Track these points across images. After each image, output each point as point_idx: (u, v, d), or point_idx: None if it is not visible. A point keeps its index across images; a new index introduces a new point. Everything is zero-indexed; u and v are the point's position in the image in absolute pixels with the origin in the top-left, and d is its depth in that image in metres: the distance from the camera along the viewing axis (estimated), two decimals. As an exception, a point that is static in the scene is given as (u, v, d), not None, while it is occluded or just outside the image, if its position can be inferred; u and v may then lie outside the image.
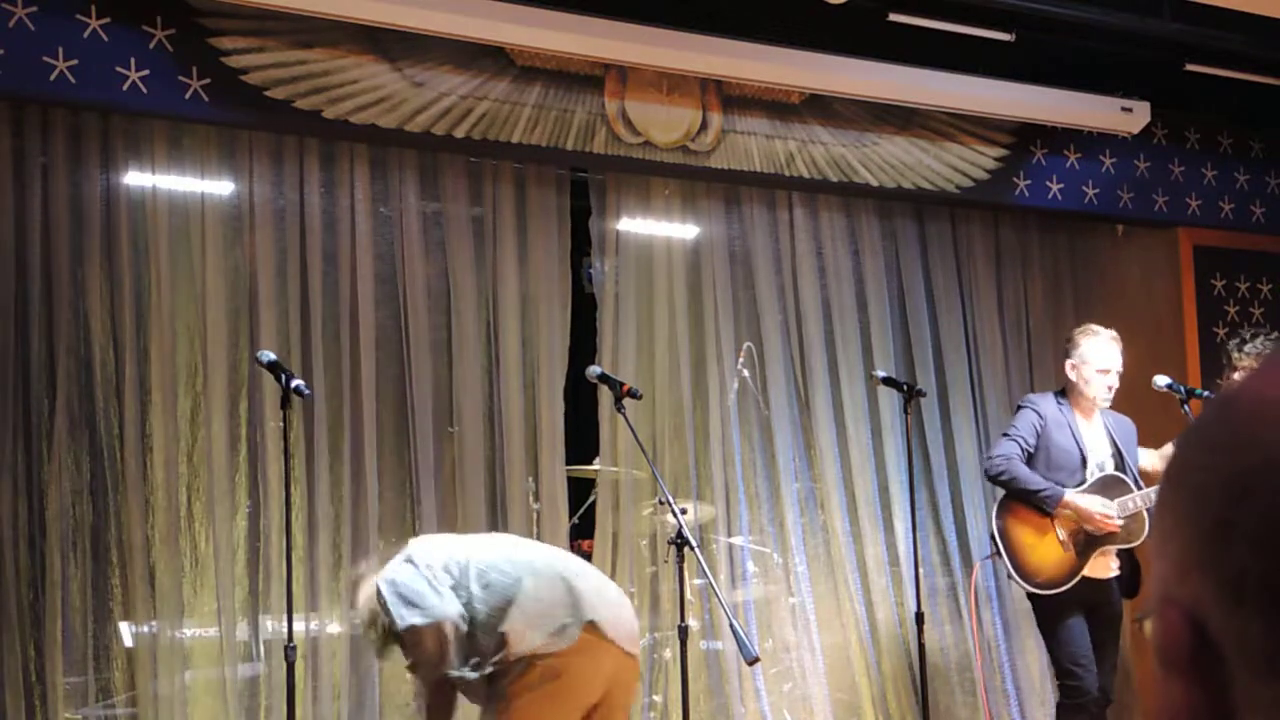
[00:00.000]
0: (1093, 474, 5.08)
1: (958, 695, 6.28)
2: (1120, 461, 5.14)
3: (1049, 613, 5.05)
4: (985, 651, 6.31)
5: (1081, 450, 5.09)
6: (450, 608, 3.67)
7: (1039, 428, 5.07)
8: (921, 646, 5.23)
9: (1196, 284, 6.88)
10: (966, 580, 6.38)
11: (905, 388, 5.28)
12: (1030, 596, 5.09)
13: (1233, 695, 0.67)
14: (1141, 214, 6.82)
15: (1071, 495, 4.98)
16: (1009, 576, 5.12)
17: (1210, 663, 0.68)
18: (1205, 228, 6.94)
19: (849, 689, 6.09)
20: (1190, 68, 6.20)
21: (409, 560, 3.80)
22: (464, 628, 3.69)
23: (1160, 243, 6.95)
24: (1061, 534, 5.00)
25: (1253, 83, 6.41)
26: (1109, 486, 5.05)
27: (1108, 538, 4.98)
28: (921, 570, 5.51)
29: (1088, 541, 4.99)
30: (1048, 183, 6.56)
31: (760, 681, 5.85)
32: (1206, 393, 5.40)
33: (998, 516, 5.08)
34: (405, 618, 3.66)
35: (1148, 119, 6.50)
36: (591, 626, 3.71)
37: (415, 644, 3.69)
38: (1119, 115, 6.44)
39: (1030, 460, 5.05)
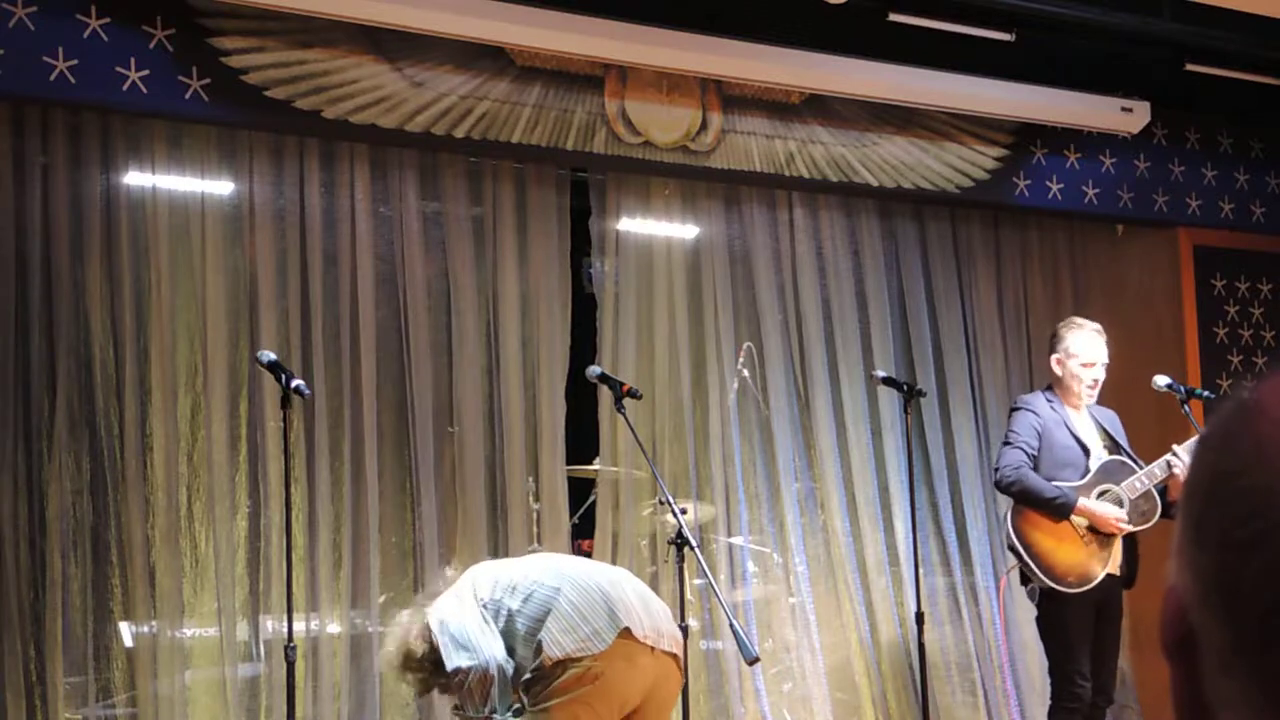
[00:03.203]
0: (1094, 465, 5.04)
1: (958, 695, 6.27)
2: (1115, 447, 5.10)
3: (1059, 621, 4.96)
4: (988, 654, 6.30)
5: (1082, 444, 5.04)
6: (497, 650, 3.74)
7: (1038, 428, 5.01)
8: (921, 646, 5.22)
9: (1196, 284, 6.87)
10: (967, 584, 6.39)
11: (905, 388, 5.26)
12: (1040, 603, 4.99)
13: (1206, 684, 0.69)
14: (1141, 214, 6.81)
15: (1085, 503, 4.91)
16: (1022, 581, 5.04)
17: (1192, 651, 0.70)
18: (1205, 228, 6.93)
19: (849, 689, 6.09)
20: (1190, 68, 6.20)
21: (458, 596, 3.87)
22: (509, 669, 3.76)
23: (1160, 243, 6.95)
24: (1080, 530, 4.93)
25: (1253, 83, 6.41)
26: (1113, 472, 5.00)
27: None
28: (921, 570, 5.50)
29: (1107, 535, 4.95)
30: (1048, 183, 6.56)
31: (760, 681, 5.84)
32: (1206, 393, 5.38)
33: (1014, 525, 4.97)
34: (453, 659, 3.73)
35: (1148, 119, 6.50)
36: (627, 633, 3.76)
37: (461, 685, 3.74)
38: (1119, 115, 6.44)
39: (1035, 463, 4.98)
